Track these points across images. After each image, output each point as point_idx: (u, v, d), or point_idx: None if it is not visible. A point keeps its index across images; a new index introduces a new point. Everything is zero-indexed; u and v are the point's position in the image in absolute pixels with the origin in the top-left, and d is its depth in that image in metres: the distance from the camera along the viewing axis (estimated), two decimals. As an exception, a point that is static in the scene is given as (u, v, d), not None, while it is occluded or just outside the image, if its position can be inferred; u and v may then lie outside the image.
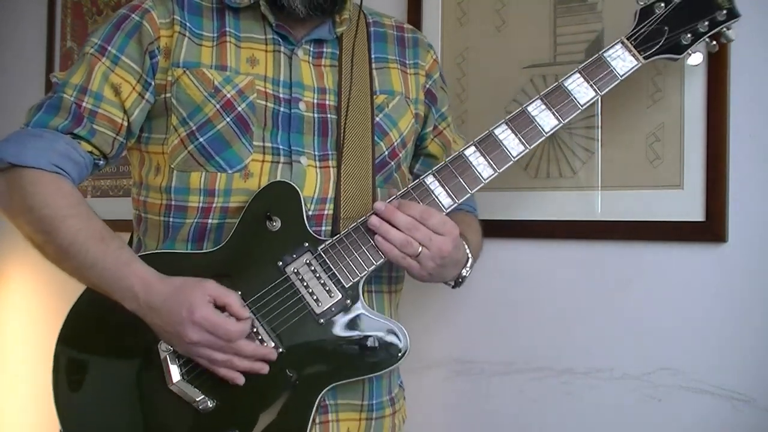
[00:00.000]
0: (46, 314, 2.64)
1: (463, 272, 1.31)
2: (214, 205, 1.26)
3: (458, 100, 1.72)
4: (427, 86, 1.45)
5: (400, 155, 1.39)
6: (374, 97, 1.36)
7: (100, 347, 1.26)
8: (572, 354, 1.58)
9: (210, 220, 1.27)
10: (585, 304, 1.57)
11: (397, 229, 1.21)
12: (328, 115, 1.31)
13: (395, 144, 1.37)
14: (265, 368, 1.19)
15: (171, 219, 1.28)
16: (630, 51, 1.28)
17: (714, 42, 1.31)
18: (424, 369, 1.72)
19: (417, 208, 1.21)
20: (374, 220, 1.21)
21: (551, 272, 1.62)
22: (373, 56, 1.39)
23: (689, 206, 1.45)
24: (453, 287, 1.34)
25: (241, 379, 1.18)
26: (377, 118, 1.35)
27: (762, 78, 1.41)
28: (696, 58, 1.31)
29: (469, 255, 1.31)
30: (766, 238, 1.40)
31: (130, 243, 1.39)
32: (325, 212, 1.27)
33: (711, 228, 1.43)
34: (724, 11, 1.28)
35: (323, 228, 1.27)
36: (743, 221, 1.42)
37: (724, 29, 1.29)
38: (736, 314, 1.42)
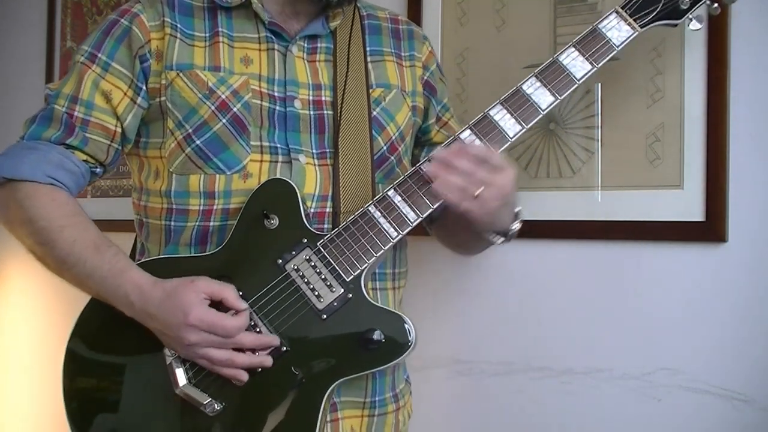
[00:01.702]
0: (47, 314, 2.63)
1: (513, 226, 1.30)
2: (214, 207, 1.26)
3: (458, 100, 1.71)
4: (425, 78, 1.44)
5: (400, 149, 1.37)
6: (370, 90, 1.34)
7: (109, 354, 1.26)
8: (572, 354, 1.57)
9: (211, 223, 1.26)
10: (585, 304, 1.57)
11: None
12: (324, 112, 1.30)
13: (393, 138, 1.36)
14: (268, 361, 1.18)
15: (172, 223, 1.28)
16: (625, 20, 1.25)
17: (715, 4, 1.26)
18: (425, 369, 1.72)
19: (476, 149, 1.19)
20: (432, 166, 1.19)
21: (551, 272, 1.62)
22: (368, 49, 1.38)
23: (689, 206, 1.45)
24: (502, 242, 1.32)
25: (244, 376, 1.17)
26: (374, 112, 1.34)
27: (762, 78, 1.41)
28: (696, 24, 1.26)
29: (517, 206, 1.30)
30: (766, 238, 1.40)
31: (134, 247, 1.39)
32: (327, 209, 1.27)
33: (711, 228, 1.43)
34: None
35: (325, 225, 1.26)
36: (743, 221, 1.41)
37: None
38: (736, 314, 1.42)
